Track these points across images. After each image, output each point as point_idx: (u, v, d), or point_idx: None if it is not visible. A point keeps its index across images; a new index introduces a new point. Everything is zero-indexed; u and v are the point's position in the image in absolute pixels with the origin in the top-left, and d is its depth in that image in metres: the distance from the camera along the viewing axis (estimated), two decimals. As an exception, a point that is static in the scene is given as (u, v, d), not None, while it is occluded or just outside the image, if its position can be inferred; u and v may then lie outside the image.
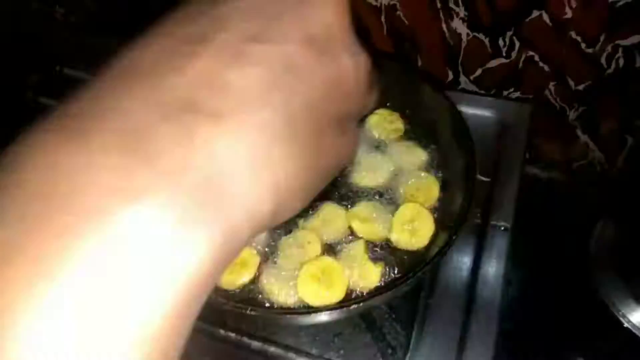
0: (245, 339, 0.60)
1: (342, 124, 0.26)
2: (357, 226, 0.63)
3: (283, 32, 0.22)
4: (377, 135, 0.73)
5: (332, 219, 0.64)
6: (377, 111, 0.75)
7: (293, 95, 0.21)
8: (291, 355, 0.58)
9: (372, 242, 0.62)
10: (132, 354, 0.16)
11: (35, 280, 0.15)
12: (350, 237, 0.62)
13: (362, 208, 0.64)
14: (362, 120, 0.75)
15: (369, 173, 0.68)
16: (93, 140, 0.17)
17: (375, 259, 0.60)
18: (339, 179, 0.68)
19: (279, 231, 0.63)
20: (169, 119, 0.18)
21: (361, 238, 0.62)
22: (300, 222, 0.64)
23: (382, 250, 0.61)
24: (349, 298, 0.55)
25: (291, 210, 0.24)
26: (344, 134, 0.26)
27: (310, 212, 0.64)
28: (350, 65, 0.24)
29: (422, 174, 0.66)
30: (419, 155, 0.69)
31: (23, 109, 0.90)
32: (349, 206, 0.65)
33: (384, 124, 0.73)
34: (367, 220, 0.63)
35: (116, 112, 0.18)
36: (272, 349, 0.59)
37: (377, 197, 0.66)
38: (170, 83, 0.19)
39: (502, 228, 0.66)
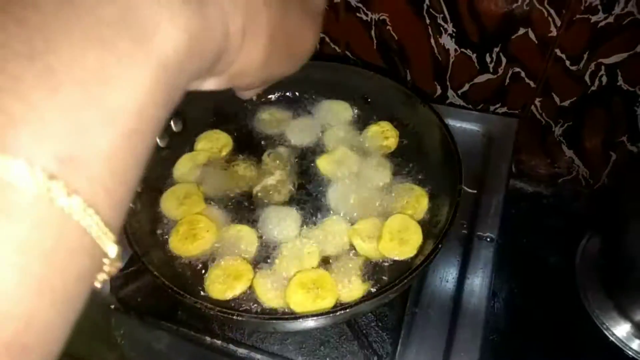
0: (232, 346, 0.59)
1: (305, 6, 0.29)
2: (358, 243, 0.62)
3: None
4: (367, 146, 0.74)
5: (334, 232, 0.63)
6: (380, 122, 0.76)
7: None
8: (277, 362, 0.58)
9: (369, 260, 0.61)
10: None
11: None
12: (351, 252, 0.62)
13: (365, 225, 0.64)
14: (364, 127, 0.76)
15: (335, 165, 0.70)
16: None
17: (365, 277, 0.60)
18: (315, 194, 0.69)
19: (278, 241, 0.63)
20: None
21: (360, 255, 0.62)
22: (304, 231, 0.64)
23: (376, 268, 0.61)
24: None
25: (250, 67, 0.26)
26: (309, 15, 0.30)
27: (315, 223, 0.65)
28: None
29: (413, 187, 0.67)
30: (384, 177, 0.69)
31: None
32: (352, 223, 0.65)
33: (379, 137, 0.74)
34: (369, 239, 0.62)
35: None
36: (258, 356, 0.59)
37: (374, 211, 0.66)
38: None
39: (488, 239, 0.67)
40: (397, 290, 0.51)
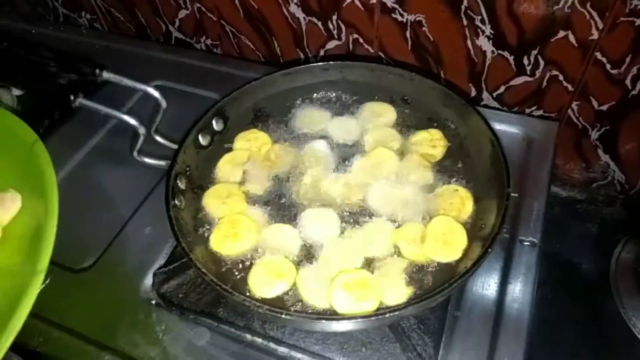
0: (272, 345, 0.59)
1: None
2: (402, 246, 0.62)
3: None
4: (411, 150, 0.73)
5: (378, 234, 0.63)
6: (430, 130, 0.74)
7: None
8: (318, 362, 0.58)
9: (413, 263, 0.61)
10: None
11: None
12: (395, 255, 0.61)
13: (410, 228, 0.63)
14: (405, 129, 0.76)
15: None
16: None
17: (410, 280, 0.59)
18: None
19: (320, 241, 0.63)
20: None
21: (405, 258, 0.61)
22: (346, 231, 0.64)
23: (419, 273, 0.60)
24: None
25: None
26: None
27: (357, 224, 0.65)
28: None
29: (457, 189, 0.66)
30: (426, 178, 0.68)
31: (64, 110, 0.92)
32: (395, 223, 0.64)
33: (426, 145, 0.72)
34: (413, 241, 0.62)
35: None
36: (299, 355, 0.58)
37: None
38: None
39: (529, 243, 0.66)
40: (445, 294, 0.50)
